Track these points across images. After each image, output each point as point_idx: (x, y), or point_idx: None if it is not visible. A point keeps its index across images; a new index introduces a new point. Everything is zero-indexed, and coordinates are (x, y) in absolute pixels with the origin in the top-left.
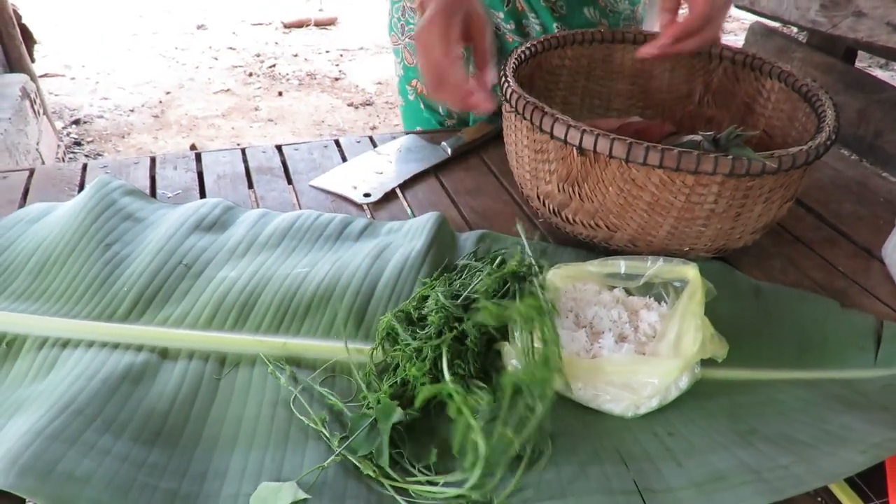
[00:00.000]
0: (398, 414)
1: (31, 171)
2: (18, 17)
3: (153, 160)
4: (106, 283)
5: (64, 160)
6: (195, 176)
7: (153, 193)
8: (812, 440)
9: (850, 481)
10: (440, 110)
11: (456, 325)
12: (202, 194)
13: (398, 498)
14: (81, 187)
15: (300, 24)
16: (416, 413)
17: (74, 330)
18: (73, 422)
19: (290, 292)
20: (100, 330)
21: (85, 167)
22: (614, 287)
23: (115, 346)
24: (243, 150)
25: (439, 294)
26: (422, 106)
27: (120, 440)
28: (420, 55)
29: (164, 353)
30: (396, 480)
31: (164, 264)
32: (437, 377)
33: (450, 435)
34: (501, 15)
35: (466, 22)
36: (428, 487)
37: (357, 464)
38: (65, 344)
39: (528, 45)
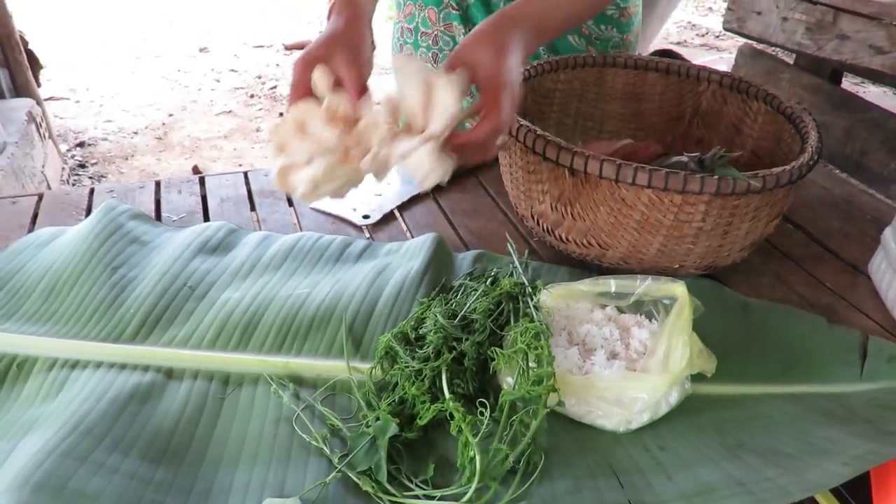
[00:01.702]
0: (394, 428)
1: (40, 196)
2: (25, 43)
3: (158, 184)
4: (113, 306)
5: (68, 182)
6: (199, 199)
7: (158, 217)
8: (797, 453)
9: (837, 492)
10: None
11: (454, 344)
12: (206, 217)
13: None
14: (89, 211)
15: (301, 46)
16: (418, 433)
17: (83, 351)
18: (83, 441)
19: (291, 313)
20: (107, 351)
21: (92, 192)
22: (606, 305)
23: (123, 366)
24: (245, 174)
25: (438, 315)
26: None
27: (128, 458)
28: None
29: (170, 373)
30: (395, 495)
31: (169, 286)
32: (436, 396)
33: (447, 450)
34: None
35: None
36: (425, 502)
37: (356, 480)
38: (74, 365)
39: (522, 69)
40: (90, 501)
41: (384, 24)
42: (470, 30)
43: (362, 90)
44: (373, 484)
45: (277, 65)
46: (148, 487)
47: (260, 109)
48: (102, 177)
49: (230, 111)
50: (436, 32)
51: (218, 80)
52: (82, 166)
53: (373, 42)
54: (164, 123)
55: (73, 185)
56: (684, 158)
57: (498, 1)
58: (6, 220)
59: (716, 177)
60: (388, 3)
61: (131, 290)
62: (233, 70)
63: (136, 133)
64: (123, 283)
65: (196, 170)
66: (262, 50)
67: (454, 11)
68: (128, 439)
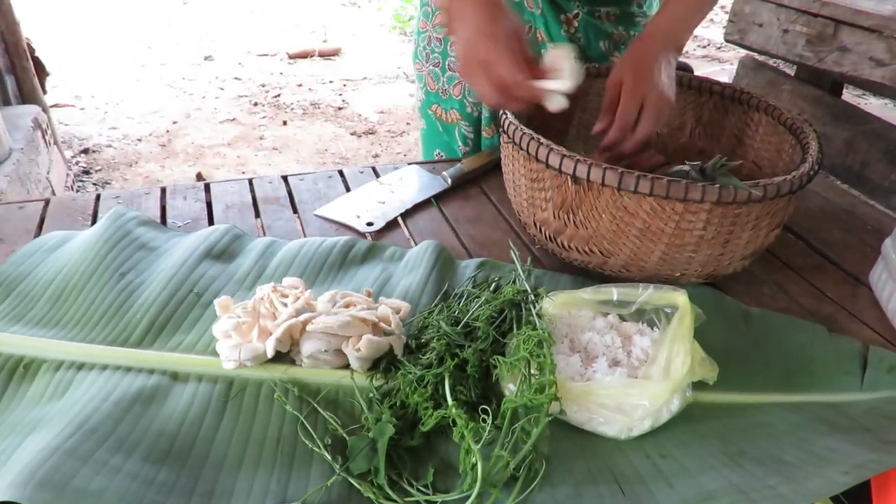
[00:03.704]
0: (391, 430)
1: (47, 202)
2: (32, 50)
3: (163, 190)
4: (120, 311)
5: (73, 189)
6: (204, 206)
7: (164, 222)
8: (798, 461)
9: (838, 501)
10: (456, 136)
11: (457, 351)
12: (211, 223)
13: None
14: (95, 217)
15: (304, 55)
16: (420, 439)
17: (89, 354)
18: (87, 440)
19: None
20: (114, 354)
21: (98, 197)
22: (608, 313)
23: (128, 369)
24: (250, 181)
25: (441, 322)
26: (440, 129)
27: (131, 459)
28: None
29: (175, 376)
30: (396, 501)
31: (175, 292)
32: (438, 402)
33: (448, 455)
34: None
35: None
36: None
37: (358, 486)
38: (80, 367)
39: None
40: (93, 500)
41: (386, 37)
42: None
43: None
44: (374, 490)
45: (281, 73)
46: (150, 488)
47: (264, 117)
48: (107, 183)
49: (234, 119)
50: None
51: (222, 88)
52: (87, 173)
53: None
54: (168, 131)
55: (78, 191)
56: (686, 167)
57: (535, 8)
58: (13, 226)
59: (717, 186)
60: (394, 11)
61: (138, 295)
62: (237, 78)
63: (140, 140)
64: (131, 289)
65: (200, 177)
66: (266, 58)
67: None
68: (131, 440)
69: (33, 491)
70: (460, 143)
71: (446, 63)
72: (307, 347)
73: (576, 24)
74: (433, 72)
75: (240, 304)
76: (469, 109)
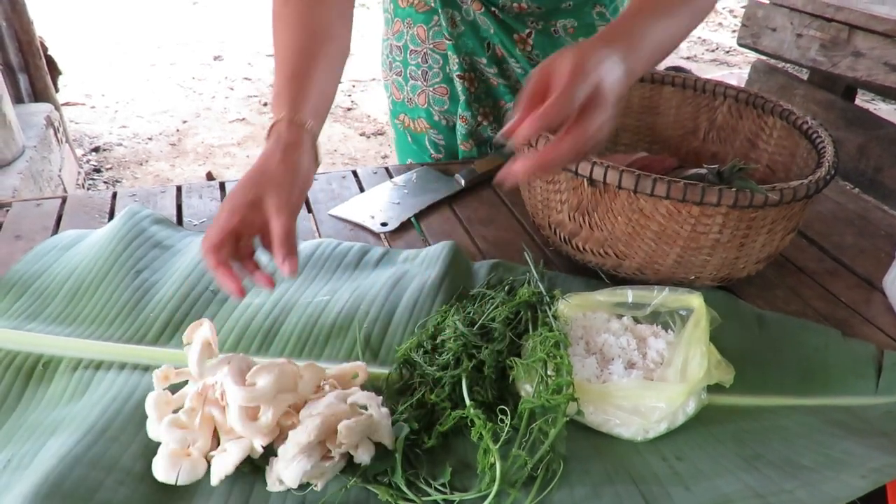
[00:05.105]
0: (406, 429)
1: (64, 199)
2: (44, 49)
3: (179, 189)
4: (136, 309)
5: (84, 187)
6: (219, 204)
7: (179, 221)
8: (815, 465)
9: None
10: (427, 145)
11: (474, 352)
12: None
13: None
14: (111, 214)
15: None
16: (438, 440)
17: (107, 352)
18: (110, 448)
19: (311, 320)
20: (132, 353)
21: (115, 195)
22: (623, 315)
23: (146, 368)
24: None
25: (457, 322)
26: (409, 139)
27: None
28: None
29: None
30: (414, 500)
31: (191, 290)
32: (455, 403)
33: (465, 454)
34: (484, 60)
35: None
36: None
37: (374, 489)
38: (98, 366)
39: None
40: None
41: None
42: (463, 59)
43: (289, 241)
44: (391, 492)
45: None
46: (174, 494)
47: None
48: (117, 181)
49: (243, 119)
50: (425, 50)
51: (231, 88)
52: (97, 171)
53: (317, 160)
54: (178, 130)
55: (89, 189)
56: (703, 170)
57: (487, 28)
58: (31, 223)
59: (734, 189)
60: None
61: (154, 293)
62: (246, 78)
63: (150, 139)
64: (146, 287)
65: (210, 176)
66: None
67: (447, 41)
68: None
69: None
70: (432, 151)
71: (408, 72)
72: (290, 475)
73: (531, 43)
74: (397, 81)
75: (182, 393)
76: (437, 118)
